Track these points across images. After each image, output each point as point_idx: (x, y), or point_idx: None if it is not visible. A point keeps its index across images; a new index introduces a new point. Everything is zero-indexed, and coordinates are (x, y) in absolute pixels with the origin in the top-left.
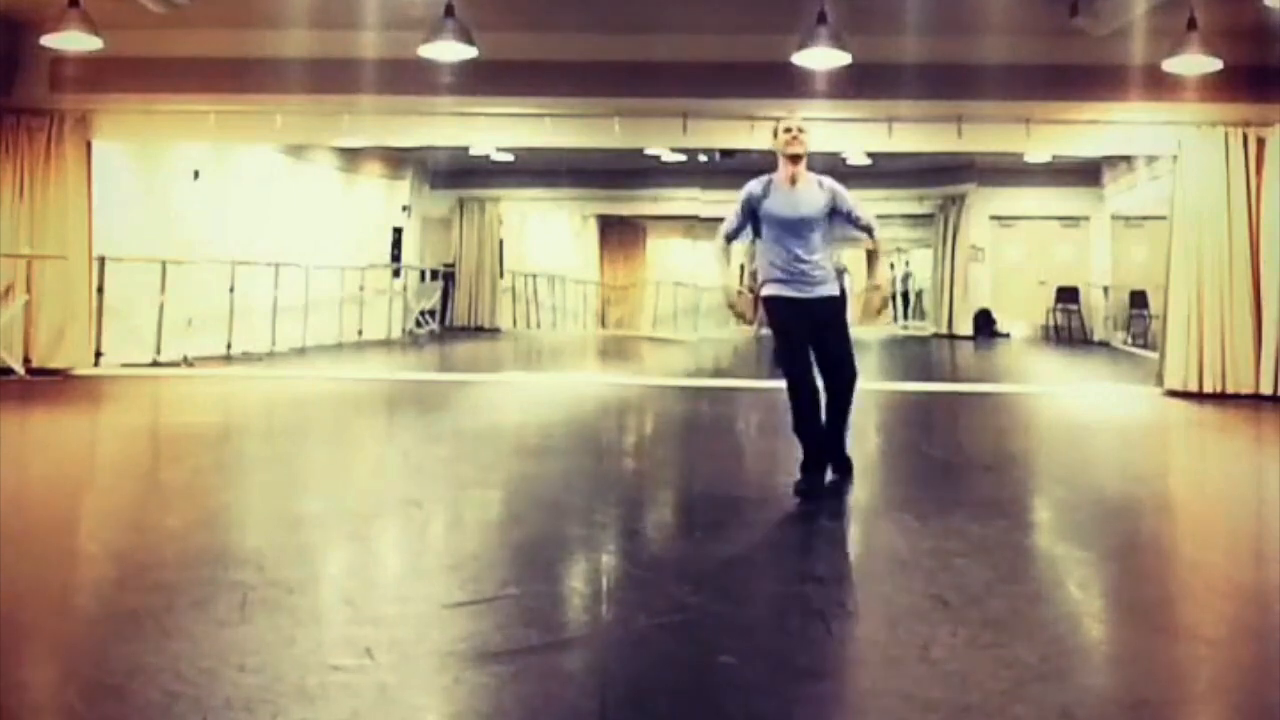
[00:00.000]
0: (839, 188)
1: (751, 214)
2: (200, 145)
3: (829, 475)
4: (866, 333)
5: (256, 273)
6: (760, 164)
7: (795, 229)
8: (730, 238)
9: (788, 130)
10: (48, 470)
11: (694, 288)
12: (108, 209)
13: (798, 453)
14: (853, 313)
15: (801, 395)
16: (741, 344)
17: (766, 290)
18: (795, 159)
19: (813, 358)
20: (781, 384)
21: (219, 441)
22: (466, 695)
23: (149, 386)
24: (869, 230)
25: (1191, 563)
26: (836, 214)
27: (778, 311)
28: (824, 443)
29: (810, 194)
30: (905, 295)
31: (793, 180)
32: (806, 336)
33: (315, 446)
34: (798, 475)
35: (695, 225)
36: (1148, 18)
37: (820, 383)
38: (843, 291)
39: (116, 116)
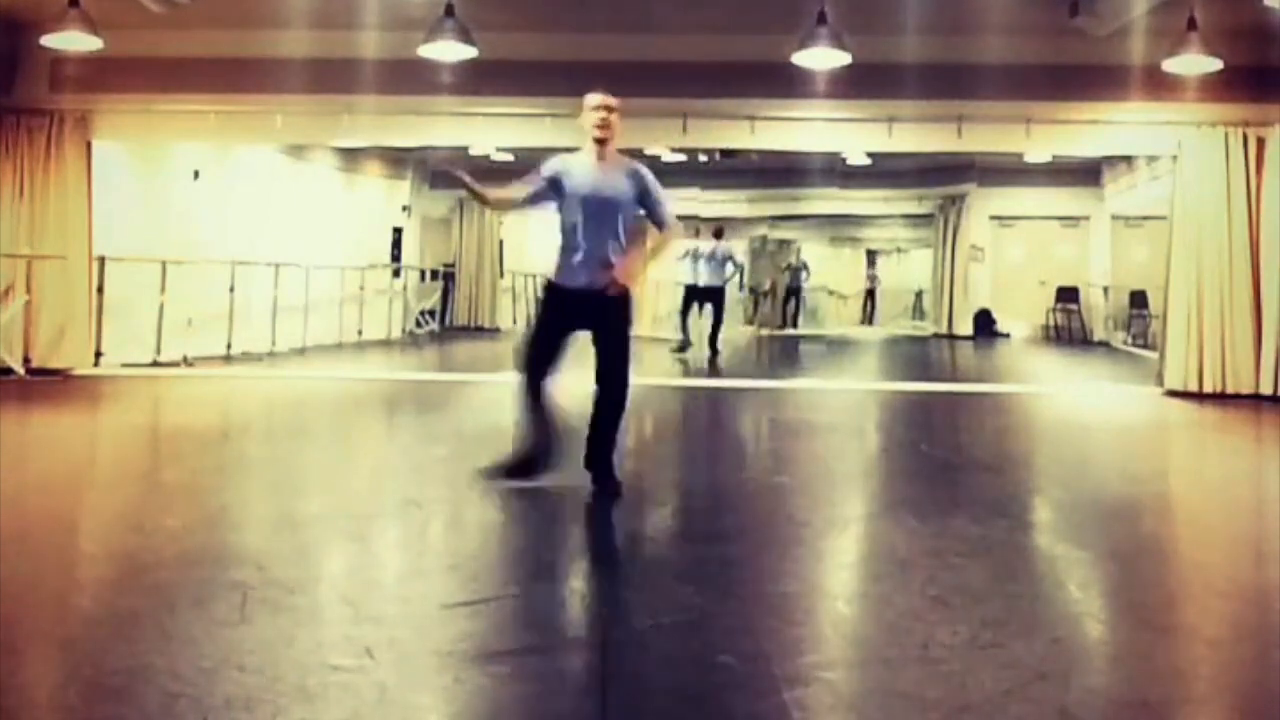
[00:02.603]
0: (649, 175)
1: (554, 186)
2: (200, 145)
3: (590, 489)
4: (867, 333)
5: (256, 273)
6: (760, 164)
7: (596, 212)
8: (526, 201)
9: (596, 109)
10: (48, 470)
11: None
12: (108, 209)
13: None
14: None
15: (527, 391)
16: (741, 344)
17: (551, 275)
18: (600, 143)
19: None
20: (783, 383)
21: (219, 442)
22: (466, 695)
23: (149, 386)
24: (663, 225)
25: (1191, 563)
26: (642, 201)
27: (550, 299)
28: (547, 440)
29: (617, 177)
30: (872, 294)
31: (600, 160)
32: (564, 332)
33: (315, 447)
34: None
35: (695, 225)
36: (1148, 18)
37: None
38: (721, 287)
39: (116, 116)
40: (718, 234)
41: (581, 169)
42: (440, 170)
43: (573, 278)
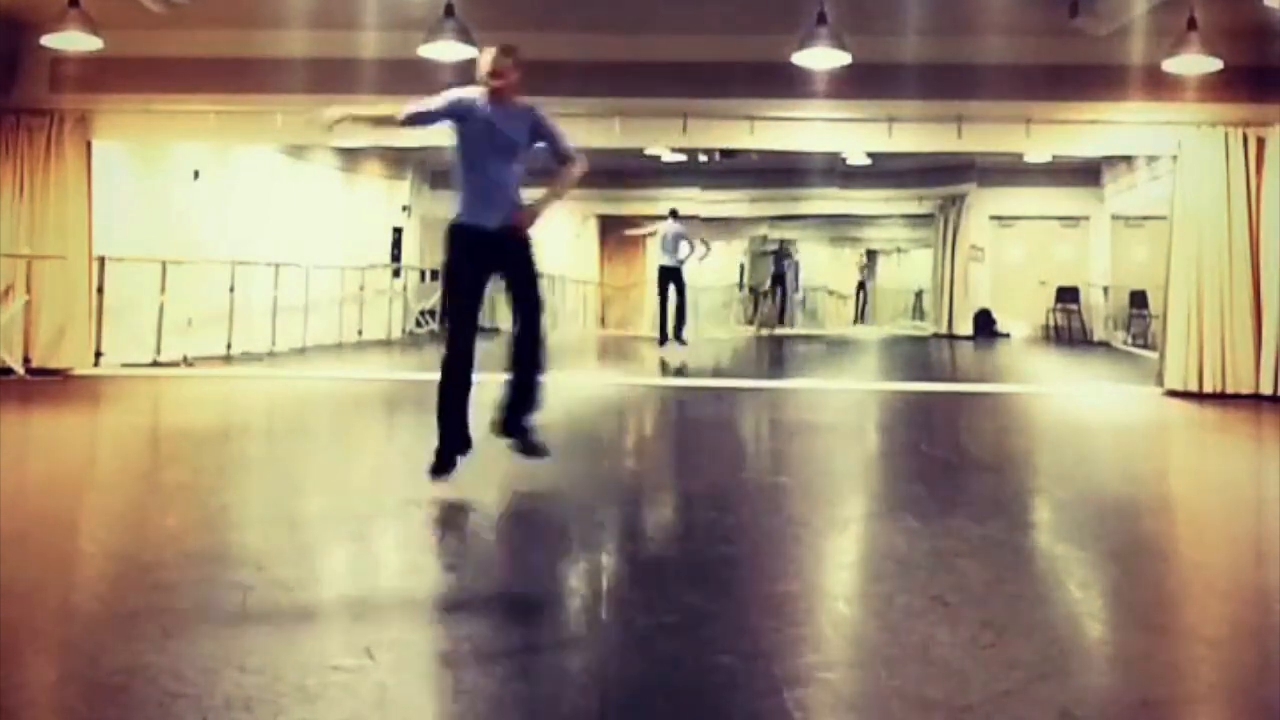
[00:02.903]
0: (542, 111)
1: (455, 114)
2: (200, 145)
3: (516, 456)
4: (866, 333)
5: (256, 273)
6: (760, 164)
7: (500, 149)
8: (414, 120)
9: (490, 59)
10: (48, 470)
11: (694, 288)
12: (108, 209)
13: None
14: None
15: (455, 370)
16: (741, 344)
17: (454, 219)
18: (495, 92)
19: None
20: (780, 383)
21: (219, 441)
22: (466, 695)
23: (149, 386)
24: (569, 159)
25: (1191, 563)
26: (540, 141)
27: (458, 242)
28: (459, 424)
29: (514, 118)
30: (862, 287)
31: (499, 102)
32: (482, 280)
33: (315, 446)
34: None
35: (695, 225)
36: (1148, 18)
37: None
38: (675, 267)
39: (116, 116)
40: (673, 214)
41: (482, 107)
42: (324, 123)
43: (484, 218)
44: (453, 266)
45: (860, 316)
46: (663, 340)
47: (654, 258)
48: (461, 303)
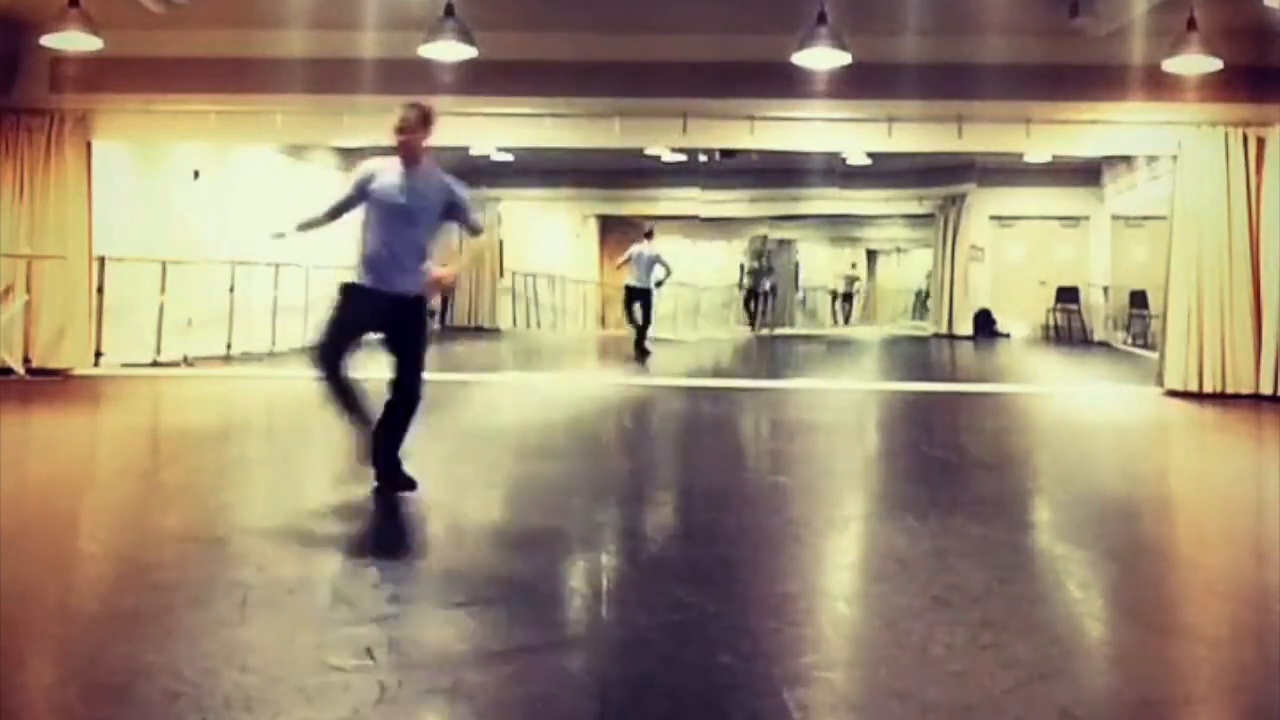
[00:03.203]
0: (456, 185)
1: (360, 192)
2: (200, 145)
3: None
4: (867, 333)
5: (256, 273)
6: (760, 164)
7: (398, 220)
8: (334, 214)
9: (397, 120)
10: (48, 470)
11: (694, 288)
12: (108, 209)
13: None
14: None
15: (333, 389)
16: (742, 344)
17: (351, 277)
18: (403, 150)
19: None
20: (781, 383)
21: (219, 441)
22: (466, 695)
23: (149, 386)
24: (477, 231)
25: (1191, 563)
26: (451, 211)
27: (349, 300)
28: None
29: (425, 184)
30: (849, 296)
31: (409, 167)
32: (360, 332)
33: (315, 446)
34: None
35: (695, 225)
36: (1148, 18)
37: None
38: (645, 289)
39: (116, 116)
40: (648, 235)
41: (390, 175)
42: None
43: (383, 283)
44: (336, 315)
45: (845, 318)
46: (641, 354)
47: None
48: (333, 349)
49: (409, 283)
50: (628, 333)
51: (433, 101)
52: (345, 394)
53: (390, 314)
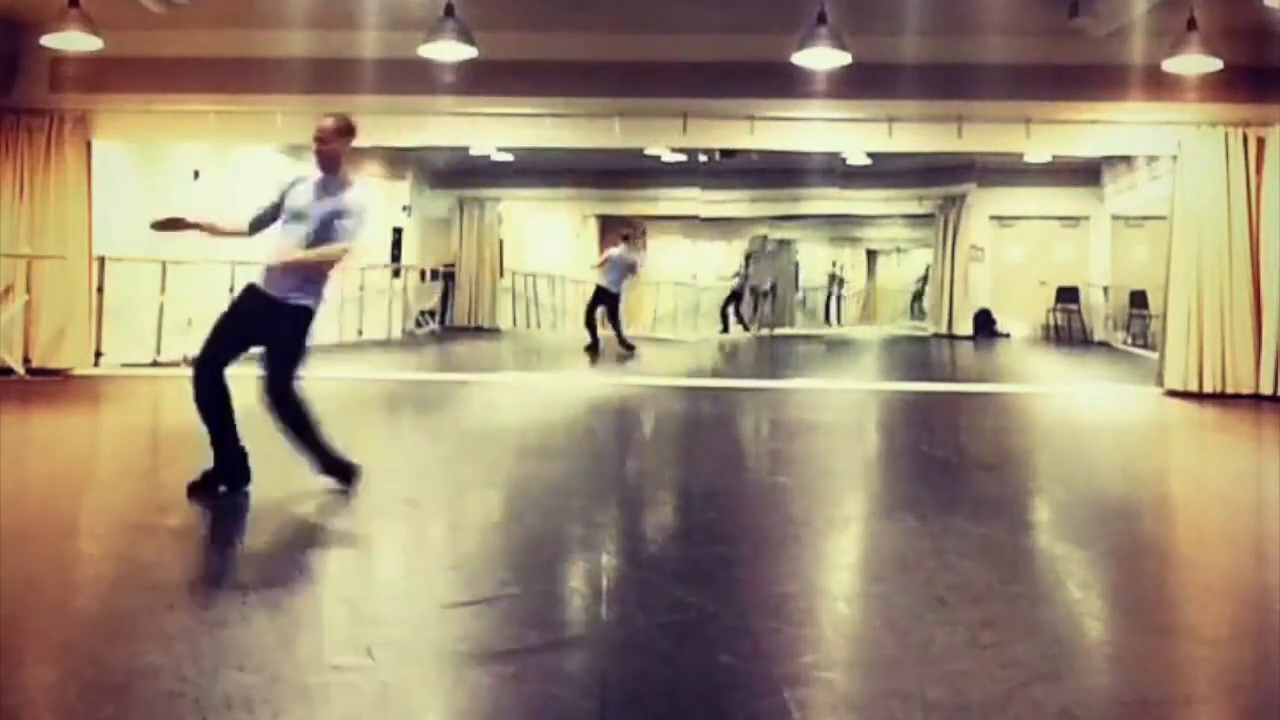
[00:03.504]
0: (350, 199)
1: (278, 203)
2: (200, 145)
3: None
4: (866, 333)
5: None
6: (760, 164)
7: (292, 223)
8: (256, 225)
9: (316, 129)
10: (48, 470)
11: (694, 288)
12: (108, 209)
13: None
14: None
15: (198, 389)
16: (741, 344)
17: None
18: (320, 158)
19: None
20: (780, 383)
21: None
22: (466, 695)
23: (149, 386)
24: (333, 240)
25: (1191, 563)
26: (336, 218)
27: (240, 296)
28: (227, 452)
29: (319, 194)
30: (839, 299)
31: (328, 171)
32: (240, 333)
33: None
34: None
35: (695, 225)
36: (1148, 18)
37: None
38: (610, 292)
39: (116, 116)
40: (625, 238)
41: (302, 187)
42: (162, 224)
43: (262, 280)
44: (226, 311)
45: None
46: (591, 349)
47: (654, 259)
48: (212, 342)
49: (292, 295)
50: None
51: (353, 115)
52: (207, 393)
53: (267, 318)
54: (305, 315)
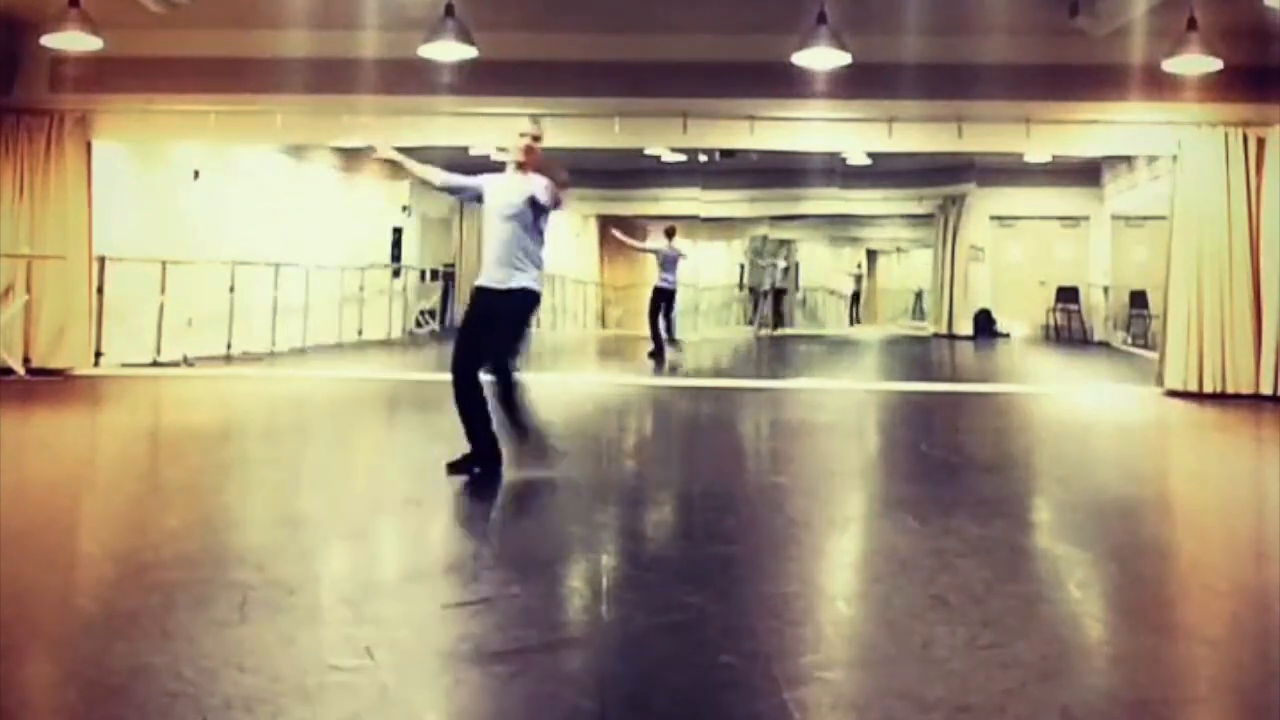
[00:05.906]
0: (536, 179)
1: (477, 197)
2: (200, 145)
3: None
4: (867, 333)
5: (256, 273)
6: (760, 164)
7: (495, 219)
8: (448, 186)
9: (523, 135)
10: (48, 470)
11: (694, 288)
12: (108, 209)
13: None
14: None
15: (457, 394)
16: (741, 344)
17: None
18: (519, 165)
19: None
20: (780, 383)
21: (219, 441)
22: (466, 695)
23: (149, 386)
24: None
25: (1191, 563)
26: (535, 205)
27: (471, 298)
28: (480, 440)
29: (513, 188)
30: (856, 295)
31: (513, 176)
32: (476, 327)
33: (315, 446)
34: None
35: (695, 225)
36: (1148, 18)
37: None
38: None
39: (116, 116)
40: (669, 233)
41: (496, 186)
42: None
43: (483, 278)
44: (461, 324)
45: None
46: (655, 354)
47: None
48: (458, 344)
49: (508, 280)
50: (650, 340)
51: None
52: (463, 395)
53: (488, 306)
54: (531, 297)
